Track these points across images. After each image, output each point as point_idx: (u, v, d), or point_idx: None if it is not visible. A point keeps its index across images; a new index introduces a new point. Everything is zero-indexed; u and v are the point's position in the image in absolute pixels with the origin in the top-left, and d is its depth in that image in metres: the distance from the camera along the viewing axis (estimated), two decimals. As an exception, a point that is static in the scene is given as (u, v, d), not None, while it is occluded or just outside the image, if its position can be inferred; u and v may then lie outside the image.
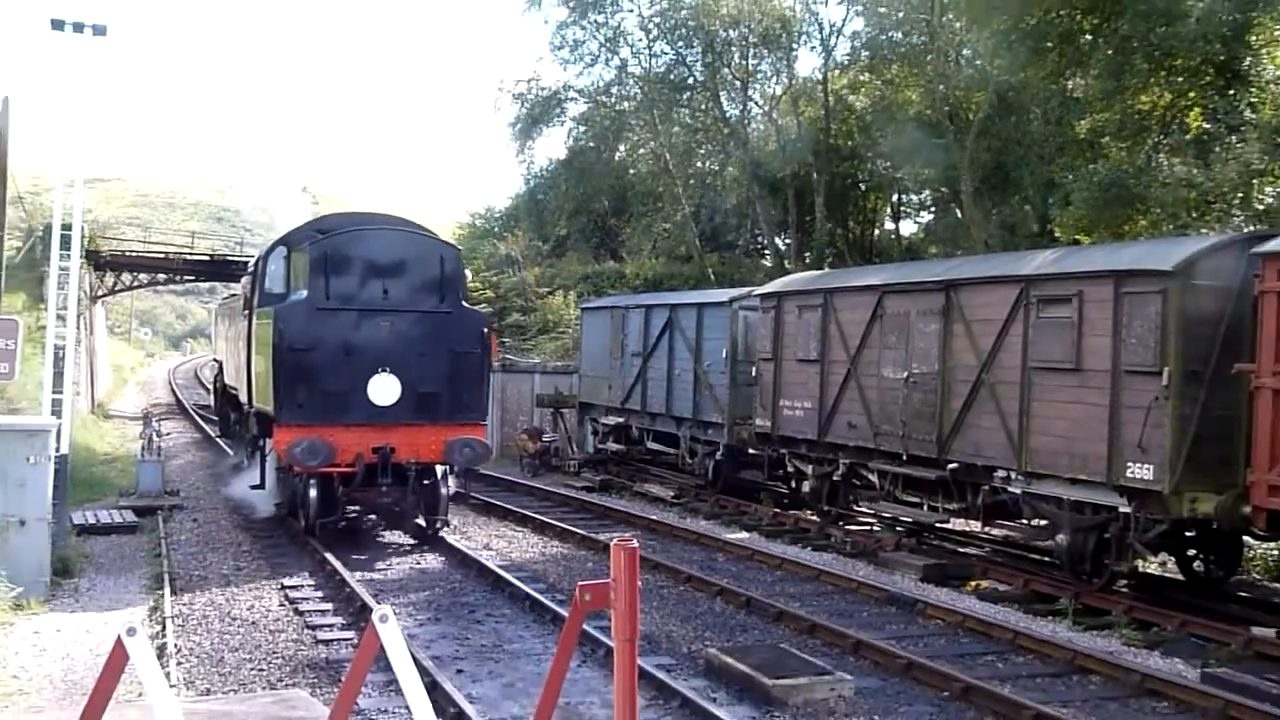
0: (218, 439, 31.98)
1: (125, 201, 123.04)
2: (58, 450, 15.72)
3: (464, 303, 17.49)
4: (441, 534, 17.74)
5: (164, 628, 12.50)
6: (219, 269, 56.10)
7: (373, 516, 18.26)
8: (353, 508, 17.47)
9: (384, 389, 15.83)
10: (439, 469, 16.89)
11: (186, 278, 61.56)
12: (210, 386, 34.00)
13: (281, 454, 15.57)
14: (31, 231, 42.65)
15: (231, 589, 15.08)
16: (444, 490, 17.12)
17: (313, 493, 16.07)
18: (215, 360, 34.01)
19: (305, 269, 16.53)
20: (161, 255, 57.34)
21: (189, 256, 57.59)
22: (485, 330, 17.10)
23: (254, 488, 19.71)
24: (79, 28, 19.68)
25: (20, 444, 13.86)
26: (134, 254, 55.57)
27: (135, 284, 57.53)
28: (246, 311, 19.49)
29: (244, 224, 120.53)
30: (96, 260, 47.64)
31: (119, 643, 3.23)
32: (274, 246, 18.62)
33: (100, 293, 52.16)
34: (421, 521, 17.71)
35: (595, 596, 3.76)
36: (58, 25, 19.62)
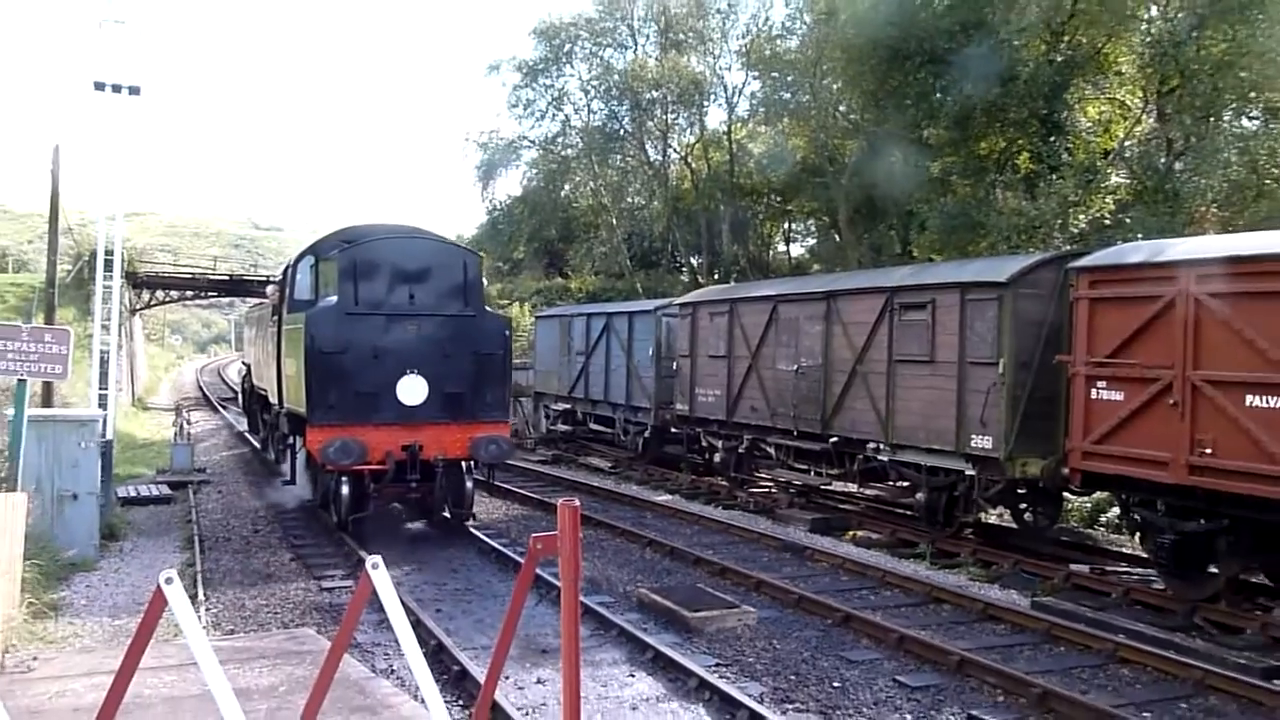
0: (245, 434, 29.41)
1: (158, 231, 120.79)
2: (104, 437, 15.45)
3: (485, 307, 15.70)
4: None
5: (195, 581, 12.35)
6: (236, 286, 56.89)
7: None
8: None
9: (412, 389, 14.02)
10: (464, 464, 14.97)
11: (210, 294, 61.10)
12: (238, 387, 30.25)
13: (315, 453, 13.71)
14: (80, 256, 42.41)
15: (250, 548, 14.91)
16: (469, 484, 15.19)
17: (344, 490, 14.09)
18: (244, 363, 30.10)
19: (334, 276, 14.69)
20: (189, 275, 57.31)
21: (212, 276, 57.57)
22: (506, 333, 15.16)
23: (285, 483, 18.04)
24: (117, 88, 19.41)
25: (73, 432, 13.63)
26: (166, 274, 55.57)
27: (167, 299, 57.22)
28: (275, 318, 17.45)
29: (256, 250, 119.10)
30: (134, 280, 47.31)
31: (159, 590, 3.20)
32: (302, 256, 16.50)
33: (138, 306, 51.71)
34: (448, 514, 15.55)
35: (546, 546, 3.78)
36: (99, 86, 19.31)
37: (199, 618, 9.85)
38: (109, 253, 19.77)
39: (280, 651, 8.39)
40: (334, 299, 14.41)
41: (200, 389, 57.62)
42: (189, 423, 25.22)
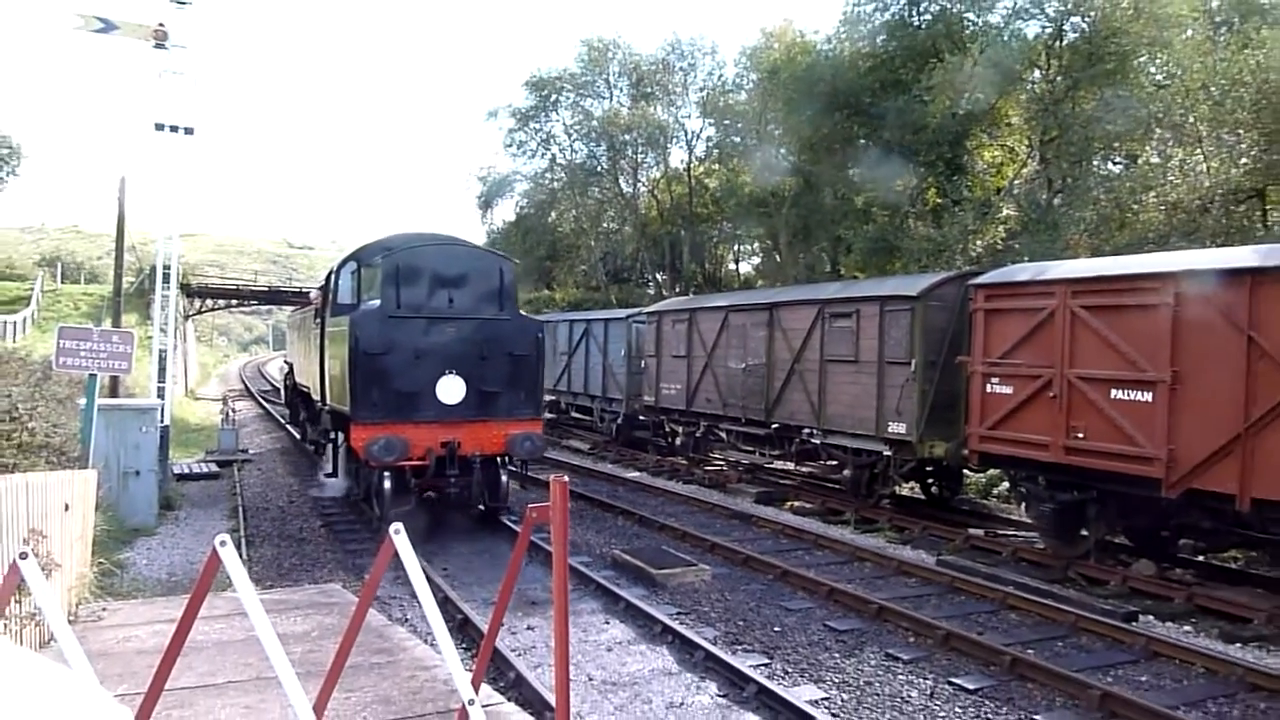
0: (286, 425, 27.75)
1: (208, 249, 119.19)
2: (161, 422, 15.31)
3: (519, 311, 14.21)
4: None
5: (240, 543, 12.25)
6: (274, 296, 57.05)
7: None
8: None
9: (451, 389, 12.61)
10: (499, 459, 13.48)
11: (251, 302, 60.76)
12: (279, 383, 26.80)
13: (359, 450, 12.28)
14: (141, 270, 42.14)
15: (286, 516, 14.80)
16: (505, 478, 13.59)
17: (387, 484, 12.58)
18: (286, 362, 27.39)
19: (377, 281, 13.33)
20: (233, 287, 57.22)
21: (253, 288, 57.69)
22: (539, 335, 13.67)
23: (328, 475, 16.38)
24: (174, 129, 19.13)
25: (135, 418, 13.51)
26: (214, 286, 55.52)
27: (215, 306, 56.94)
28: (318, 321, 15.81)
29: (290, 265, 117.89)
30: (187, 290, 47.04)
31: (214, 551, 3.18)
32: (344, 262, 14.95)
33: (190, 313, 51.27)
34: (483, 506, 13.91)
35: (539, 515, 3.78)
36: (159, 127, 19.04)
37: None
38: (166, 267, 19.51)
39: (312, 603, 8.32)
40: (377, 302, 13.01)
41: (243, 383, 57.07)
42: (234, 411, 24.99)
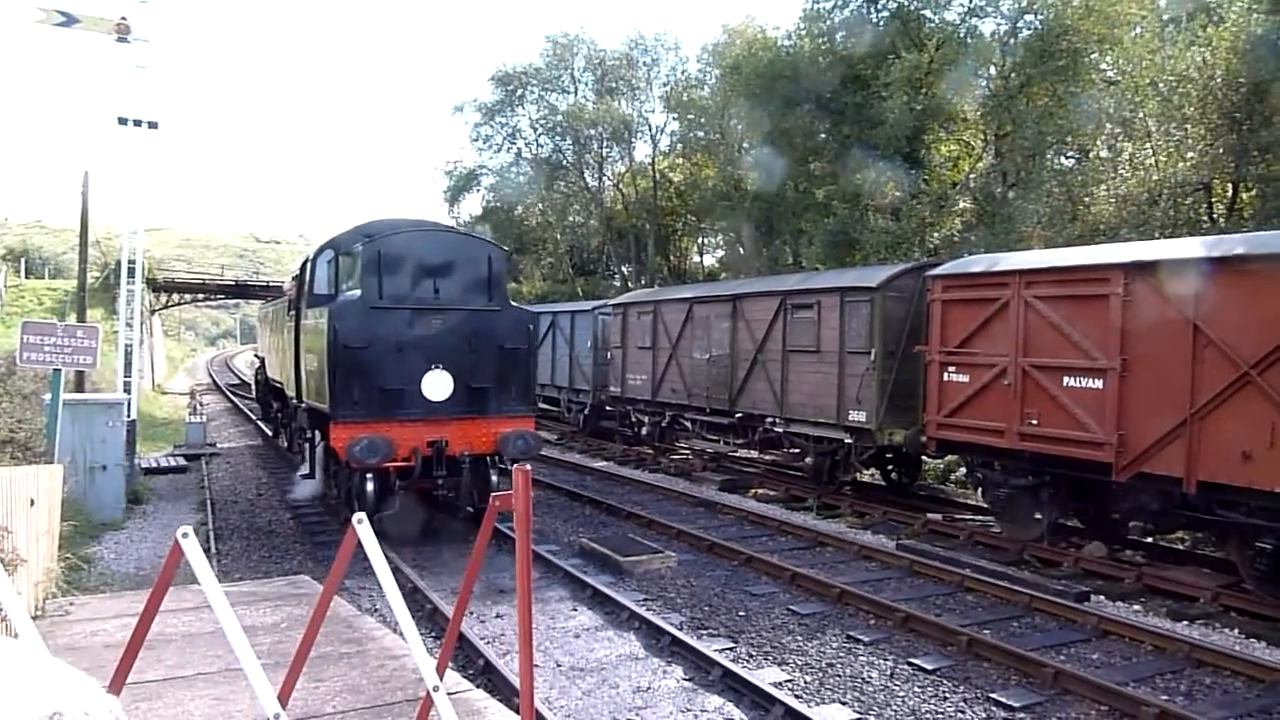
0: (256, 420, 26.43)
1: (174, 244, 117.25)
2: (128, 416, 15.07)
3: (510, 301, 13.00)
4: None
5: (208, 536, 12.11)
6: (241, 290, 56.32)
7: None
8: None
9: (437, 385, 11.63)
10: (488, 459, 12.33)
11: (218, 296, 60.08)
12: (250, 377, 23.84)
13: (340, 451, 11.16)
14: (106, 265, 41.39)
15: (255, 509, 14.63)
16: (495, 479, 12.39)
17: (369, 487, 11.51)
18: (257, 356, 25.16)
19: (357, 269, 12.13)
20: (200, 281, 56.50)
21: (219, 282, 57.00)
22: (530, 327, 12.66)
23: (304, 477, 14.95)
24: (138, 123, 18.81)
25: (102, 413, 13.29)
26: (180, 280, 54.99)
27: (181, 301, 56.13)
28: (292, 313, 14.51)
29: (257, 260, 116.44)
30: (153, 285, 46.41)
31: (176, 543, 3.14)
32: (321, 250, 13.60)
33: (156, 307, 50.61)
34: (471, 509, 12.78)
35: (503, 503, 3.76)
36: (123, 121, 18.71)
37: (212, 566, 9.68)
38: (131, 262, 19.22)
39: (281, 595, 8.24)
40: (357, 293, 11.83)
41: (210, 376, 56.35)
42: (201, 404, 24.67)
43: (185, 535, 3.12)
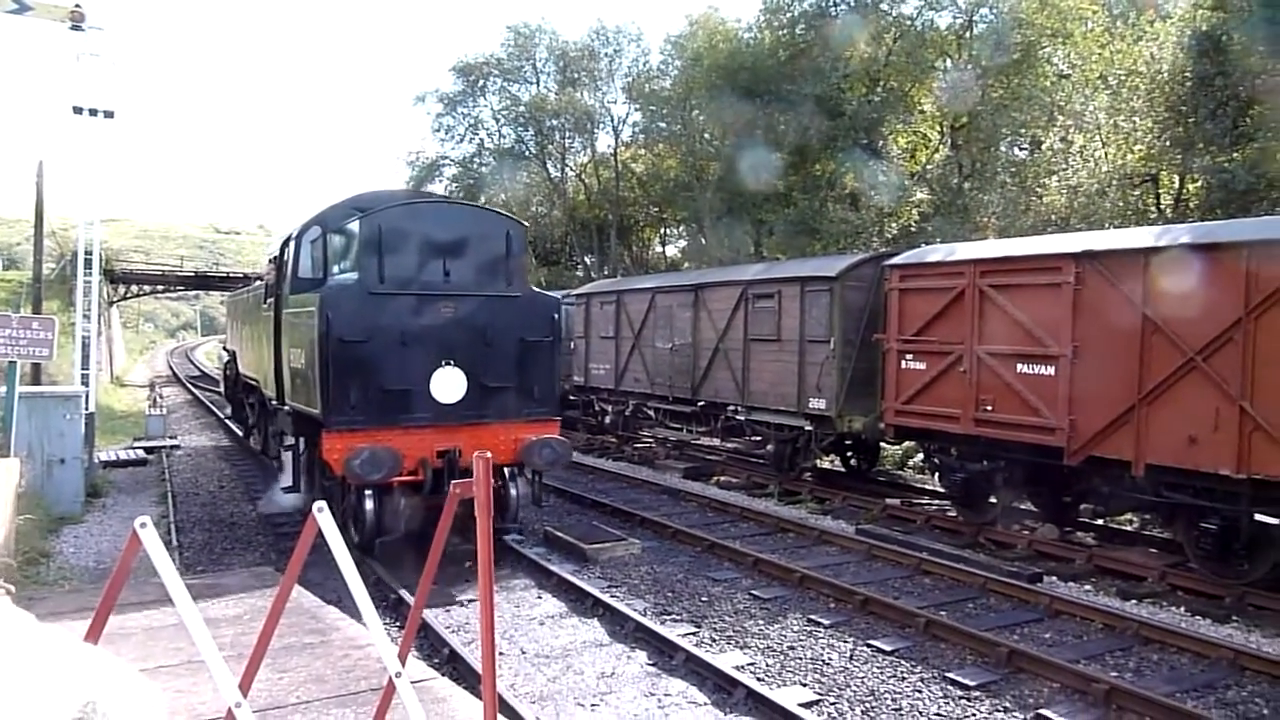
0: (227, 420, 23.36)
1: (133, 235, 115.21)
2: (86, 409, 14.78)
3: (531, 286, 11.35)
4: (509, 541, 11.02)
5: (170, 529, 11.92)
6: (201, 281, 55.45)
7: None
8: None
9: (448, 384, 9.79)
10: (507, 470, 10.41)
11: (177, 288, 59.23)
12: (221, 375, 20.44)
13: (335, 466, 9.39)
14: (62, 256, 40.53)
15: (217, 501, 14.42)
16: (514, 490, 10.48)
17: (369, 505, 9.66)
18: (226, 349, 21.74)
19: (353, 249, 10.23)
20: (159, 272, 55.57)
21: (179, 273, 56.18)
22: (555, 316, 10.79)
23: (286, 490, 12.11)
24: (94, 112, 18.43)
25: (59, 406, 13.00)
26: (139, 271, 54.03)
27: (140, 292, 55.32)
28: (271, 300, 12.45)
29: (218, 250, 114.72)
30: (111, 276, 45.67)
31: (134, 533, 3.08)
32: (307, 226, 11.48)
33: (114, 299, 49.78)
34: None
35: (464, 490, 3.75)
36: (78, 110, 18.33)
37: (174, 560, 9.55)
38: (88, 253, 18.87)
39: (244, 586, 8.15)
40: (354, 276, 10.03)
41: (170, 368, 55.50)
42: (161, 397, 24.28)
43: (143, 525, 3.06)
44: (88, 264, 18.80)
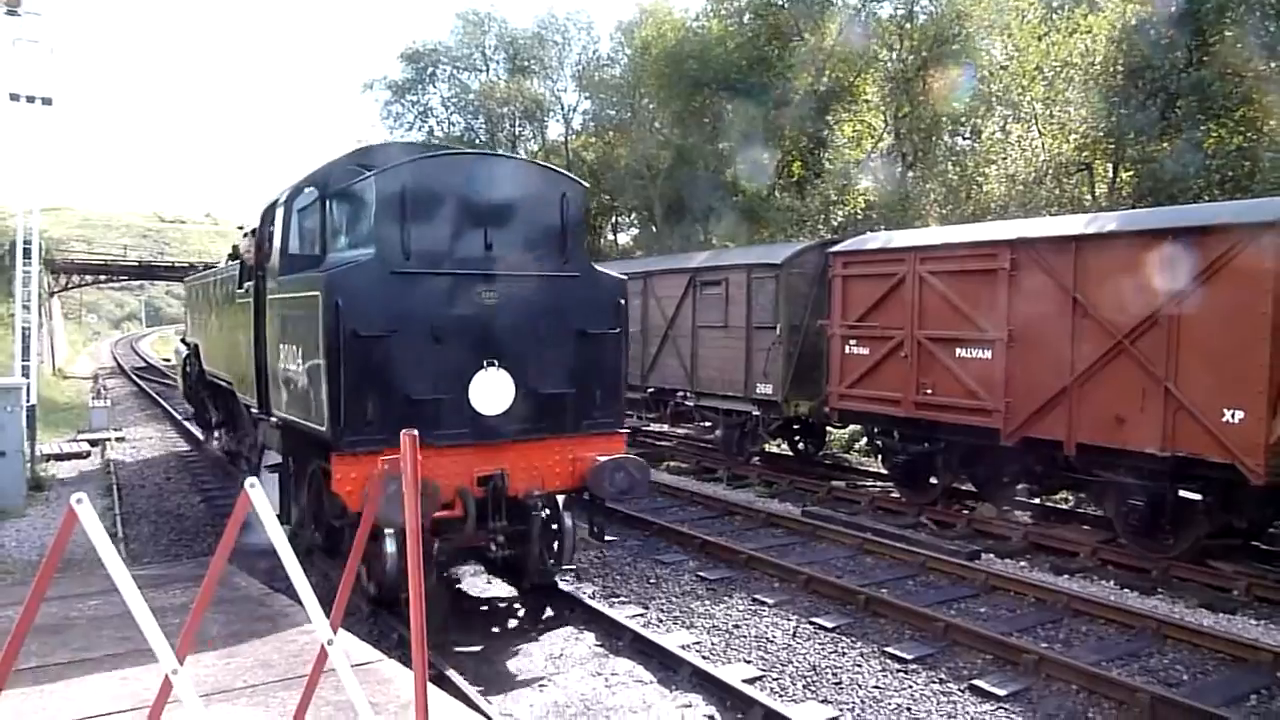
0: (186, 421, 20.57)
1: (74, 224, 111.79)
2: (28, 401, 14.46)
3: (592, 263, 8.48)
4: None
5: (115, 521, 11.72)
6: (145, 271, 55.13)
7: None
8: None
9: (491, 391, 7.38)
10: (560, 498, 8.08)
11: (121, 278, 57.95)
12: (180, 371, 16.85)
13: (351, 501, 6.89)
14: (0, 246, 39.26)
15: (164, 493, 14.17)
16: (569, 522, 8.12)
17: (390, 548, 7.23)
18: (185, 342, 17.47)
19: (366, 216, 7.79)
20: (101, 262, 54.33)
21: (122, 263, 55.00)
22: (621, 301, 8.18)
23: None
24: (31, 99, 17.90)
25: (-2, 398, 12.72)
26: (81, 261, 52.77)
27: (83, 283, 53.92)
28: (248, 284, 9.73)
29: (162, 240, 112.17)
30: (52, 266, 44.48)
31: (70, 510, 3.03)
32: (298, 190, 8.68)
33: (56, 289, 48.47)
34: (542, 574, 8.32)
35: (392, 467, 3.77)
36: (14, 98, 17.77)
37: (120, 552, 9.40)
38: (27, 242, 18.37)
39: (191, 577, 8.06)
40: (369, 251, 7.43)
41: (115, 360, 54.23)
42: (105, 388, 23.78)
43: (79, 501, 3.00)
44: (27, 254, 18.32)
